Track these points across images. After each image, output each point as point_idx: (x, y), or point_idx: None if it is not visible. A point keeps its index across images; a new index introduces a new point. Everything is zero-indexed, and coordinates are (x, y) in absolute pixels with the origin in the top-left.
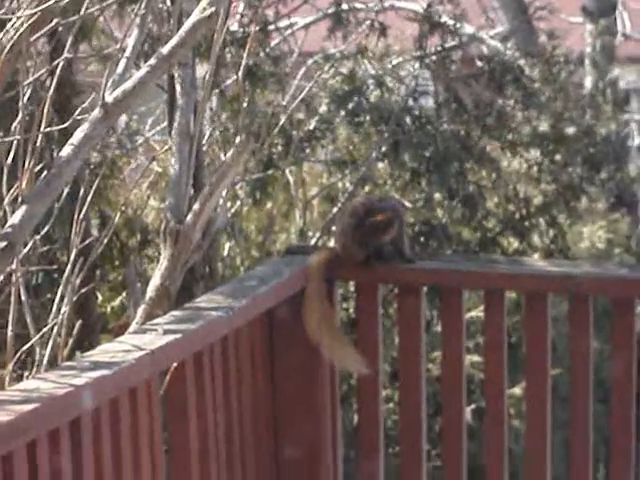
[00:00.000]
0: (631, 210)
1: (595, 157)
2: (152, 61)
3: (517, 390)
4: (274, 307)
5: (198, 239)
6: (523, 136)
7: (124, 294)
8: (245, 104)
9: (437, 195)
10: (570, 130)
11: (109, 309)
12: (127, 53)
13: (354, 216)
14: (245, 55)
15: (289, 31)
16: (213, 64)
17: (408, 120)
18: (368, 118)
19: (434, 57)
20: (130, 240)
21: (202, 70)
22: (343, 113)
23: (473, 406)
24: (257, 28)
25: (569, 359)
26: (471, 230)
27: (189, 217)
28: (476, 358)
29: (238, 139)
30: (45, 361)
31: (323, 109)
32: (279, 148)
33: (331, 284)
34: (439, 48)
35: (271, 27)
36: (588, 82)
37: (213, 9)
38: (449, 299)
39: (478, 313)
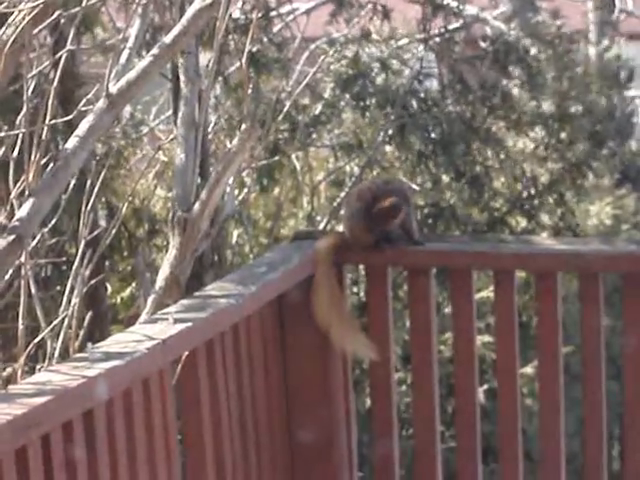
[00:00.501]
0: (636, 186)
1: (599, 134)
2: (155, 50)
3: (529, 369)
4: (284, 293)
5: (206, 227)
6: (528, 115)
7: (134, 284)
8: (249, 91)
9: (444, 177)
10: (574, 108)
11: (119, 300)
12: (130, 43)
13: (362, 201)
14: (248, 42)
15: (291, 17)
16: (217, 52)
17: (414, 103)
18: (374, 101)
19: (438, 39)
20: (138, 230)
21: (205, 58)
22: (348, 97)
23: (486, 386)
24: (259, 14)
25: (580, 337)
26: (479, 211)
27: (196, 206)
28: (487, 338)
29: (243, 126)
30: (57, 353)
31: (328, 93)
32: (285, 134)
33: (340, 268)
34: (442, 30)
35: (273, 13)
36: (591, 57)
37: None
38: (459, 280)
39: (488, 293)
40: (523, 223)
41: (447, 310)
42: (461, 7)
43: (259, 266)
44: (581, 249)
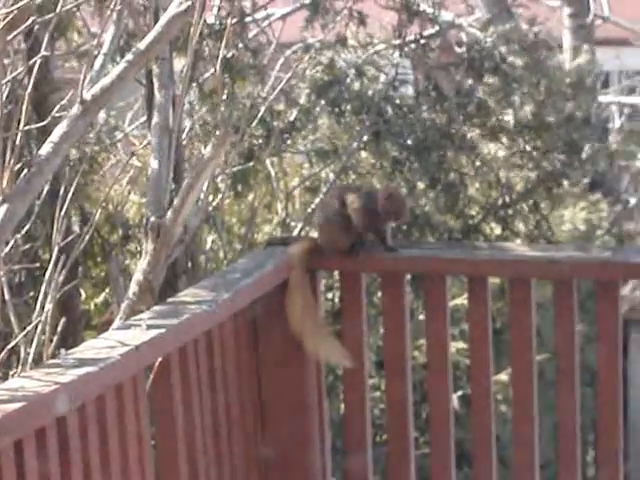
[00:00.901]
0: (608, 191)
1: (575, 142)
2: (130, 56)
3: (503, 376)
4: (257, 299)
5: (180, 233)
6: (504, 123)
7: (107, 290)
8: (224, 97)
9: (419, 184)
10: (551, 117)
11: (92, 306)
12: (104, 49)
13: (339, 202)
14: (222, 48)
15: (267, 22)
16: (191, 57)
17: (389, 109)
18: (349, 107)
19: (413, 45)
20: (112, 236)
21: (180, 64)
22: (323, 103)
23: (460, 393)
24: (234, 20)
25: (554, 343)
26: (454, 218)
27: (170, 211)
28: (461, 345)
29: (218, 132)
30: (30, 359)
31: (303, 99)
32: (259, 140)
33: (314, 274)
34: (418, 36)
35: (248, 19)
36: (567, 65)
37: (189, 3)
38: (432, 286)
39: (462, 300)
40: (497, 230)
41: (421, 316)
42: (436, 13)
43: (233, 272)
44: (555, 255)
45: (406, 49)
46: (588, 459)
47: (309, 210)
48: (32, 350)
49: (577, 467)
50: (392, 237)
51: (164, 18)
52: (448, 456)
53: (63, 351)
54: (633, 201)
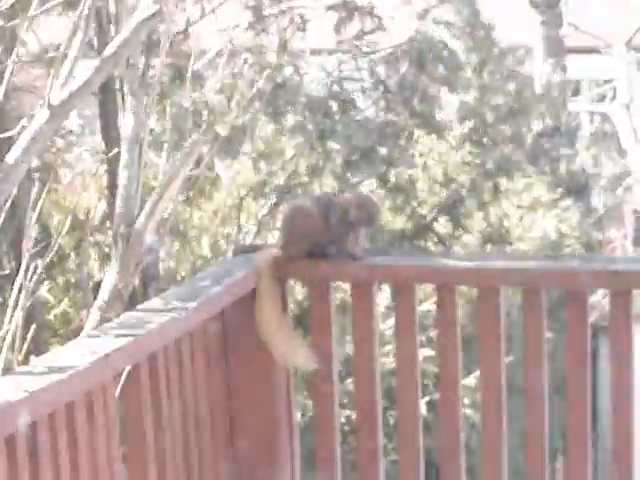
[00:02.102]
0: (580, 199)
1: (521, 134)
2: (97, 62)
3: (472, 379)
4: (227, 307)
5: (150, 241)
6: (449, 115)
7: (66, 300)
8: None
9: (366, 184)
10: (495, 102)
11: (52, 316)
12: (72, 54)
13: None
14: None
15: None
16: (162, 63)
17: (334, 107)
18: (292, 109)
19: (356, 42)
20: (82, 243)
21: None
22: (267, 106)
23: (427, 398)
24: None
25: (523, 350)
26: (405, 218)
27: (140, 219)
28: (428, 352)
29: (167, 139)
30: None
31: (246, 102)
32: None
33: (282, 282)
34: (360, 32)
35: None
36: (537, 74)
37: (157, 7)
38: (401, 294)
39: (429, 306)
40: (449, 229)
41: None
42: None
43: (202, 280)
44: (525, 265)
45: (347, 46)
46: (557, 465)
47: (260, 216)
48: (2, 357)
49: (545, 474)
50: (358, 245)
51: (131, 24)
52: (416, 463)
53: (33, 358)
54: (602, 210)
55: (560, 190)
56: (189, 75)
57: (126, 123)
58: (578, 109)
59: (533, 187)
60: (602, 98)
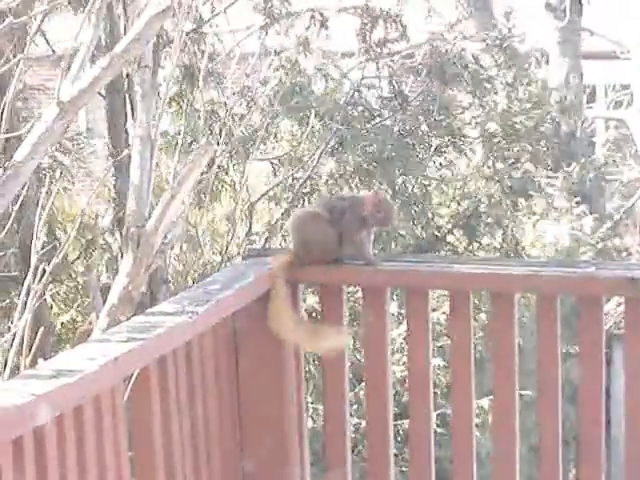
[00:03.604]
0: (594, 207)
1: (543, 153)
2: (107, 58)
3: (484, 401)
4: (237, 311)
5: (160, 244)
6: (470, 130)
7: (74, 307)
8: (184, 105)
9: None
10: (522, 123)
11: (59, 324)
12: (82, 51)
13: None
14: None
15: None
16: (174, 64)
17: (354, 113)
18: (313, 113)
19: (378, 49)
20: (91, 245)
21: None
22: (286, 109)
23: (438, 411)
24: (192, 28)
25: (536, 359)
26: (419, 229)
27: (151, 221)
28: (438, 362)
29: (202, 141)
30: (7, 369)
31: (266, 105)
32: (222, 147)
33: (295, 287)
34: (382, 40)
35: (206, 27)
36: (553, 79)
37: (168, 3)
38: (414, 300)
39: (439, 315)
40: (464, 243)
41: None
42: (400, 14)
43: (213, 283)
44: (539, 271)
45: (371, 53)
46: (570, 477)
47: (274, 219)
48: (10, 360)
49: None
50: (372, 250)
51: (143, 19)
52: (428, 473)
53: (41, 361)
54: (617, 216)
55: (575, 196)
56: (201, 75)
57: (137, 124)
58: (594, 115)
59: (547, 194)
60: (618, 104)
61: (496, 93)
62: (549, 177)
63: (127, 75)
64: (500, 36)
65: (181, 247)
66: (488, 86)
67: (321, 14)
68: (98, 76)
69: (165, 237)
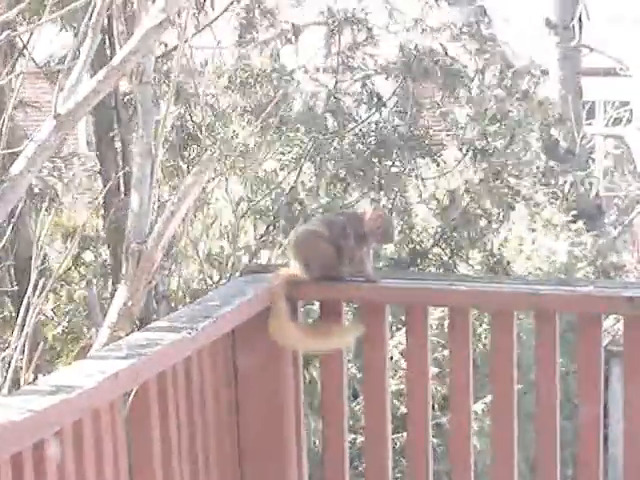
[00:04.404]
0: (592, 223)
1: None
2: (104, 71)
3: (479, 406)
4: (237, 327)
5: (160, 260)
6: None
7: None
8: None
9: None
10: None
11: (50, 337)
12: (79, 64)
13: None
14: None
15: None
16: (174, 80)
17: (330, 122)
18: (289, 125)
19: (349, 52)
20: (95, 262)
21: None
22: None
23: (433, 421)
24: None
25: (535, 375)
26: (404, 244)
27: (151, 237)
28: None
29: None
30: (7, 384)
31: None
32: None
33: (294, 304)
34: (352, 44)
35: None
36: (554, 94)
37: (164, 16)
38: (413, 317)
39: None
40: (445, 257)
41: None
42: (367, 17)
43: (213, 299)
44: (538, 289)
45: (342, 58)
46: None
47: (261, 234)
48: (9, 375)
49: None
50: (372, 268)
51: (139, 32)
52: None
53: (41, 377)
54: (616, 232)
55: (573, 213)
56: (172, 91)
57: (138, 140)
58: (593, 131)
59: (545, 210)
60: (617, 121)
61: (468, 85)
62: (545, 192)
63: (115, 91)
64: (468, 24)
65: (180, 262)
66: (464, 80)
67: (293, 24)
68: (94, 89)
69: (166, 253)
